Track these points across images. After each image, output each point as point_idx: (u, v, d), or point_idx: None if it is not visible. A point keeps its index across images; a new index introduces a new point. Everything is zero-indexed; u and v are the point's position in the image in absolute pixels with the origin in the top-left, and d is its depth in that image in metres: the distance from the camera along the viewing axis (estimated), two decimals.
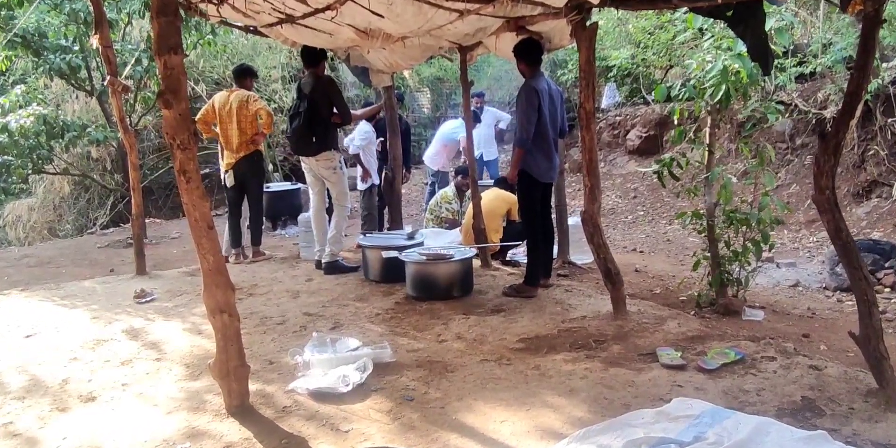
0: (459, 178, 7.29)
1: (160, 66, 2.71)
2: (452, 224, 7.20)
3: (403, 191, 10.39)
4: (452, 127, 8.67)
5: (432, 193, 8.37)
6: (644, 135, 10.63)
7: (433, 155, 8.72)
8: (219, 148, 6.28)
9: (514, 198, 6.37)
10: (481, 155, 9.27)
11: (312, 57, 5.38)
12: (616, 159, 11.20)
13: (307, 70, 5.53)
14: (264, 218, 7.16)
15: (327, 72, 5.75)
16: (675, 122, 5.04)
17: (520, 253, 6.75)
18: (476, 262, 5.52)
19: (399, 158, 6.51)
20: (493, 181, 7.02)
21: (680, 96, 4.64)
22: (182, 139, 2.75)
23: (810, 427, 2.70)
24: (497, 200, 6.24)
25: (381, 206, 7.27)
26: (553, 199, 5.64)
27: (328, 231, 5.69)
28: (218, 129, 6.06)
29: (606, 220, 8.65)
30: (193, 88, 10.24)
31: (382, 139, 7.05)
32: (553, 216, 5.42)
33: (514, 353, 3.63)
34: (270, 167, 10.23)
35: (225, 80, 10.71)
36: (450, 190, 7.42)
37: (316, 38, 4.77)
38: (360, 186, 7.14)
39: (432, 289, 4.70)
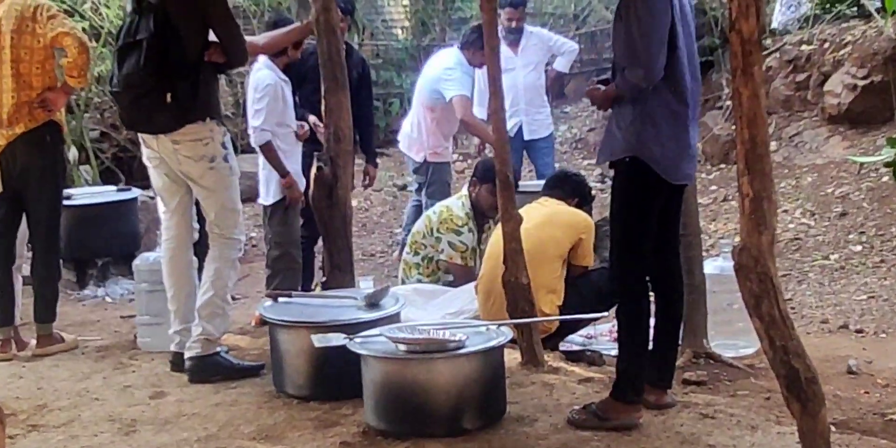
0: (476, 182, 7.29)
1: None
2: (462, 274, 7.21)
3: (356, 204, 10.42)
4: (442, 66, 8.80)
5: (418, 210, 8.40)
6: (860, 84, 10.67)
7: (412, 130, 8.84)
8: None
9: (585, 220, 6.39)
10: (519, 127, 9.32)
11: None
12: (802, 135, 11.22)
13: None
14: (62, 263, 7.16)
15: None
16: None
17: (601, 335, 6.75)
18: (511, 356, 5.52)
19: (347, 135, 6.52)
20: (542, 184, 7.04)
21: None
22: None
23: None
24: (553, 225, 6.29)
25: (311, 238, 7.32)
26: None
27: (198, 292, 5.73)
28: None
29: (786, 262, 8.66)
30: None
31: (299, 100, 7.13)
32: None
33: None
34: (73, 153, 10.25)
35: None
36: (456, 203, 7.44)
37: None
38: (265, 198, 7.14)
39: (421, 414, 4.70)
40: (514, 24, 9.38)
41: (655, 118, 4.68)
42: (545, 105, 9.69)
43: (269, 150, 6.88)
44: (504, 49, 9.19)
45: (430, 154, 8.66)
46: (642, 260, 4.84)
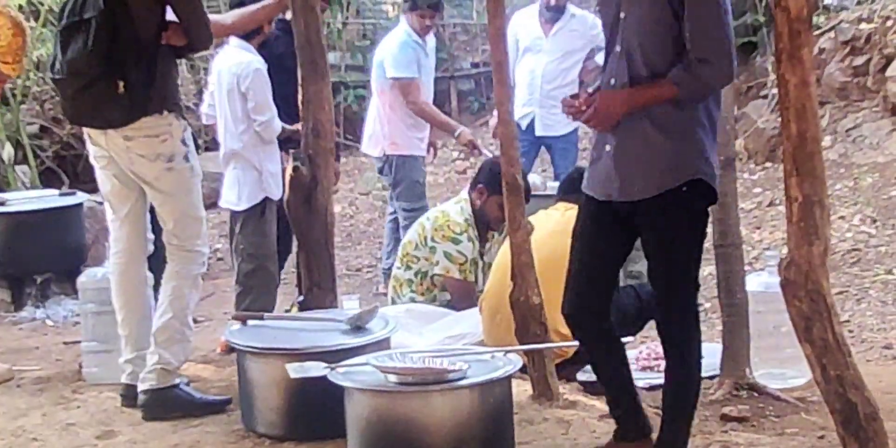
0: (483, 189, 7.26)
1: None
2: (459, 290, 7.22)
3: (339, 210, 10.43)
4: (386, 43, 8.82)
5: (397, 224, 8.45)
6: None
7: (371, 122, 8.95)
8: None
9: None
10: (531, 119, 9.31)
11: None
12: (861, 128, 11.22)
13: None
14: None
15: None
16: None
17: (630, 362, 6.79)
18: (521, 388, 5.54)
19: (328, 130, 6.55)
20: (556, 188, 7.05)
21: None
22: None
23: None
24: (568, 237, 6.26)
25: (285, 251, 7.34)
26: (714, 229, 5.66)
27: (154, 314, 5.73)
28: None
29: (843, 277, 8.67)
30: None
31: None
32: (708, 271, 5.37)
33: None
34: (8, 152, 10.28)
35: None
36: (454, 208, 7.42)
37: None
38: (236, 204, 7.14)
39: None
40: (554, 0, 9.32)
41: (706, 124, 4.58)
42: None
43: (282, 133, 7.06)
44: (535, 26, 9.26)
45: (388, 145, 8.66)
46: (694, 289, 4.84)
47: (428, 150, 9.02)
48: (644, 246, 4.77)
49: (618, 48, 4.59)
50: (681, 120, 4.53)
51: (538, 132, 9.38)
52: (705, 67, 4.45)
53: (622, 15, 4.53)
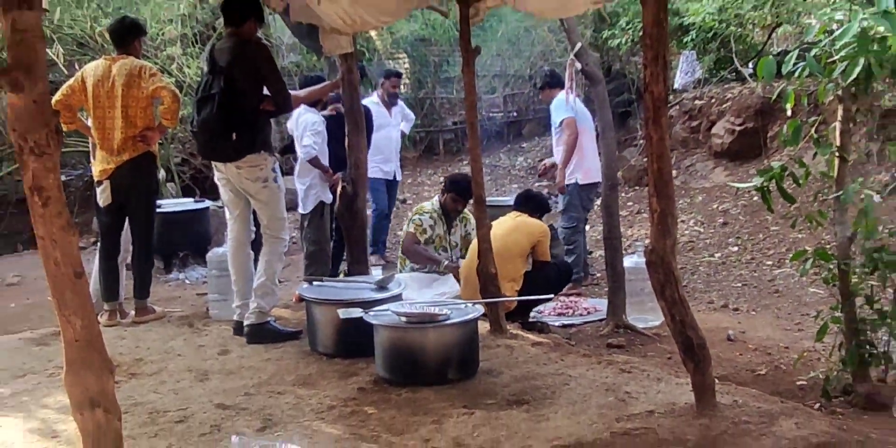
0: (444, 190, 7.24)
1: (5, 27, 2.75)
2: (407, 240, 7.19)
3: (369, 212, 10.42)
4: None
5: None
6: (738, 129, 10.78)
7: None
8: (90, 147, 6.30)
9: (542, 227, 6.43)
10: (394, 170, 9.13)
11: (237, 13, 5.51)
12: (695, 166, 11.30)
13: (226, 29, 5.61)
14: (154, 255, 7.17)
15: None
16: (787, 112, 5.10)
17: (548, 311, 6.80)
18: (483, 326, 5.51)
19: (364, 164, 6.57)
20: (512, 200, 7.06)
21: (795, 72, 4.66)
22: (38, 139, 2.78)
23: None
24: (518, 233, 6.29)
25: (338, 238, 7.31)
26: (604, 228, 5.64)
27: (254, 277, 5.73)
28: (90, 119, 6.10)
29: (682, 259, 8.70)
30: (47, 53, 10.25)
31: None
32: (599, 253, 5.42)
33: None
34: (163, 174, 10.26)
35: (93, 41, 10.76)
36: (428, 203, 7.36)
37: None
38: (302, 207, 7.16)
39: (416, 368, 4.73)
40: (392, 89, 9.05)
41: None
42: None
43: (316, 162, 7.06)
44: (383, 110, 8.93)
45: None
46: None
47: None
48: None
49: None
50: None
51: (397, 177, 9.20)
52: None
53: None
